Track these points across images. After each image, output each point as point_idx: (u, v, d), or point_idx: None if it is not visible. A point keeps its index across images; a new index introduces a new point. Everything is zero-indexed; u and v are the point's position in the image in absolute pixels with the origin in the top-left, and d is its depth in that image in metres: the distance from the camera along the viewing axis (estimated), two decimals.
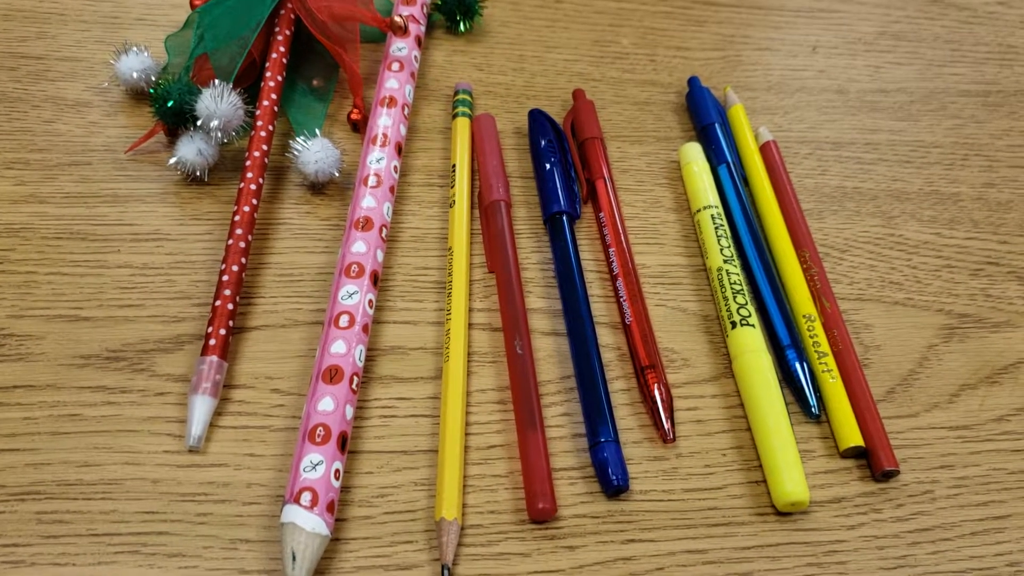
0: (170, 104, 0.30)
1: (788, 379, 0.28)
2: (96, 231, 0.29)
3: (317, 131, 0.32)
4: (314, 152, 0.30)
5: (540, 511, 0.24)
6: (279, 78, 0.32)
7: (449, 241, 0.30)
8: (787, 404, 0.27)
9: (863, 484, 0.27)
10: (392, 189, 0.30)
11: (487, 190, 0.31)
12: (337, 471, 0.24)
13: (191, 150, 0.30)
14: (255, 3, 0.32)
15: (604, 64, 0.38)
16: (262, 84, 0.32)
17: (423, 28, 0.36)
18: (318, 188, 0.32)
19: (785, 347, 0.28)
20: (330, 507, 0.23)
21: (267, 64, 0.32)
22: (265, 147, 0.30)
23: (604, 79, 0.37)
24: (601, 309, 0.30)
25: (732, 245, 0.31)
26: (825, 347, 0.29)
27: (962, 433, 0.28)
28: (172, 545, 0.23)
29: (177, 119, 0.30)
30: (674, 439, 0.27)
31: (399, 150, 0.31)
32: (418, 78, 0.35)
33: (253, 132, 0.30)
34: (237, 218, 0.28)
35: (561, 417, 0.27)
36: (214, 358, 0.26)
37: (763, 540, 0.25)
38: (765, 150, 0.34)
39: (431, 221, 0.31)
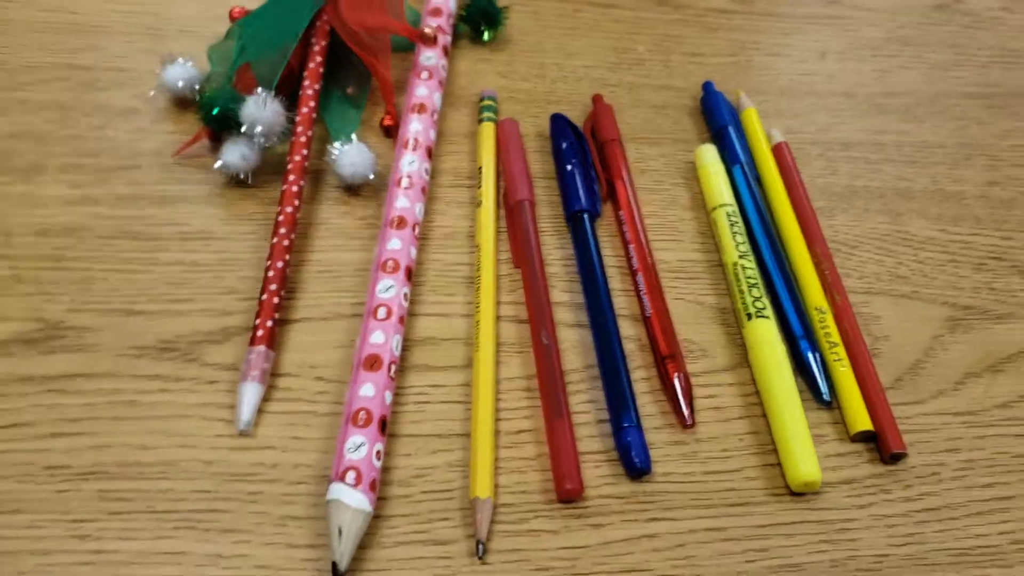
0: (215, 111, 0.32)
1: (801, 368, 0.30)
2: (147, 230, 0.31)
3: (353, 136, 0.33)
4: (350, 156, 0.32)
5: (567, 491, 0.26)
6: (316, 87, 0.34)
7: (477, 239, 0.32)
8: (800, 392, 0.29)
9: (872, 466, 0.28)
10: (423, 190, 0.32)
11: (512, 190, 0.33)
12: (379, 452, 0.25)
13: (235, 154, 0.32)
14: (293, 16, 0.35)
15: (621, 70, 0.39)
16: (301, 92, 0.33)
17: (449, 38, 0.38)
18: (354, 190, 0.33)
19: (798, 338, 0.30)
20: (372, 485, 0.25)
21: (305, 73, 0.34)
22: (305, 151, 0.32)
23: (622, 84, 0.39)
24: (622, 302, 0.31)
25: (747, 241, 0.32)
26: (836, 337, 0.30)
27: (967, 419, 0.30)
28: (225, 522, 0.25)
29: (222, 125, 0.32)
30: (693, 424, 0.28)
31: (429, 153, 0.33)
32: (445, 85, 0.37)
33: (293, 137, 0.32)
34: (280, 218, 0.30)
35: (586, 404, 0.29)
36: (262, 348, 0.27)
37: (778, 519, 0.27)
38: (777, 151, 0.36)
39: (460, 220, 0.33)
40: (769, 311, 0.30)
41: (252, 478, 0.26)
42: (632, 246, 0.32)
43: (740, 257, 0.31)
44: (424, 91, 0.34)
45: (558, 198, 0.34)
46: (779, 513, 0.27)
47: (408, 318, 0.30)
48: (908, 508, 0.27)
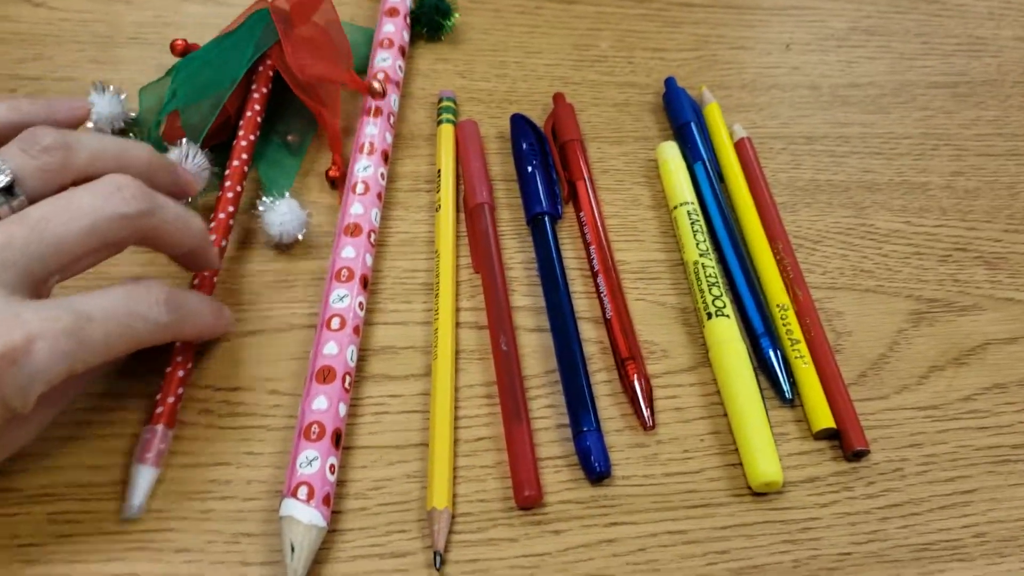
0: None
1: (762, 366, 0.29)
2: None
3: (286, 191, 0.31)
4: (279, 213, 0.30)
5: (527, 498, 0.26)
6: (252, 137, 0.32)
7: (436, 244, 0.32)
8: (762, 390, 0.28)
9: (835, 464, 0.28)
10: (380, 196, 0.31)
11: (471, 194, 0.33)
12: (332, 466, 0.25)
13: None
14: (233, 60, 0.32)
15: (584, 67, 0.39)
16: (234, 143, 0.31)
17: (407, 36, 0.37)
18: (284, 248, 0.31)
19: (759, 335, 0.30)
20: (326, 500, 0.24)
21: (241, 123, 0.32)
22: (232, 208, 0.30)
23: (584, 82, 0.38)
24: (583, 305, 0.31)
25: (708, 239, 0.32)
26: (798, 334, 0.30)
27: (931, 413, 0.29)
28: (179, 541, 0.25)
29: None
30: (654, 426, 0.28)
31: (385, 158, 0.33)
32: (403, 87, 0.37)
33: (220, 192, 0.30)
34: (196, 281, 0.28)
35: (546, 409, 0.28)
36: (160, 427, 0.25)
37: (740, 519, 0.27)
38: (739, 147, 0.35)
39: (418, 225, 0.33)
40: (730, 309, 0.30)
41: (205, 496, 0.25)
42: (593, 248, 0.32)
43: (701, 256, 0.31)
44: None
45: (518, 201, 0.34)
46: (741, 514, 0.27)
47: (365, 327, 0.29)
48: (871, 505, 0.27)
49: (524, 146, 0.34)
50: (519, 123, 0.35)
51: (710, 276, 0.30)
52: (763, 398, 0.28)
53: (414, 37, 0.39)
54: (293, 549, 0.23)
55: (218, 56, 0.33)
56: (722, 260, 0.32)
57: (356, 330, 0.28)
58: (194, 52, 0.33)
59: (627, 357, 0.29)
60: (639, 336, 0.30)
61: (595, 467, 0.26)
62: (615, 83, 0.38)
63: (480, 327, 0.30)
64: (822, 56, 0.40)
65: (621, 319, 0.30)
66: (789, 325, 0.30)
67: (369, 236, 0.30)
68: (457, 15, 0.38)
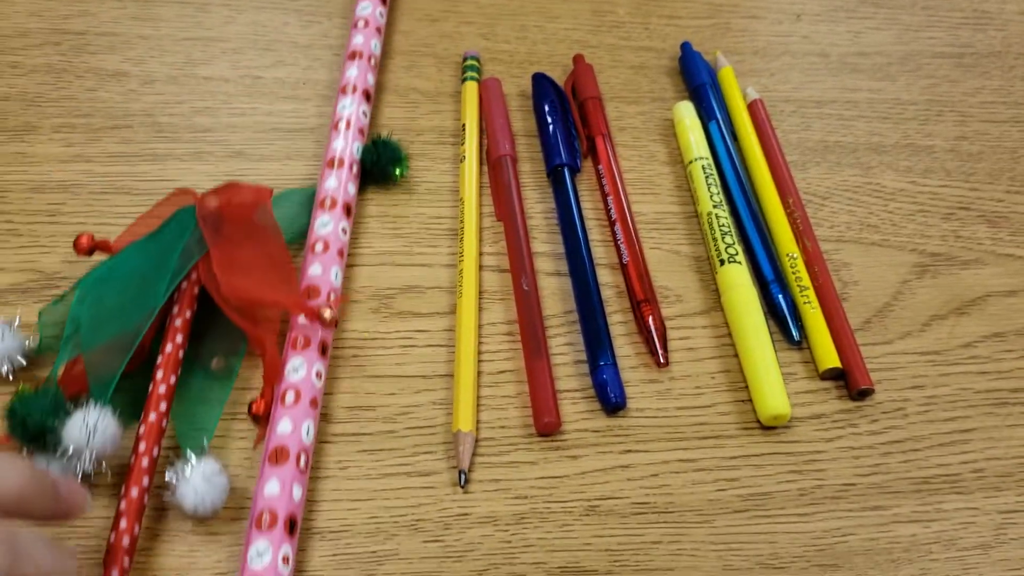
0: (27, 426, 0.24)
1: (772, 311, 0.31)
2: (139, 186, 0.32)
3: (206, 443, 0.25)
4: (194, 482, 0.24)
5: (546, 424, 0.27)
6: (172, 380, 0.26)
7: (460, 193, 0.33)
8: (771, 334, 0.30)
9: (841, 402, 0.29)
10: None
11: (494, 146, 0.34)
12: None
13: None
14: (150, 280, 0.27)
15: (602, 32, 0.40)
16: (150, 389, 0.25)
17: (352, 190, 0.32)
18: (204, 522, 0.25)
19: (769, 282, 0.31)
20: None
21: (159, 361, 0.26)
22: (146, 480, 0.24)
23: (602, 46, 0.40)
24: (600, 252, 0.32)
25: (721, 192, 0.33)
26: (806, 281, 0.31)
27: (932, 358, 0.31)
28: (218, 456, 0.26)
29: (34, 442, 0.24)
30: (667, 364, 0.29)
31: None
32: (428, 48, 0.38)
33: (132, 459, 0.24)
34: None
35: (564, 347, 0.30)
36: None
37: (749, 451, 0.28)
38: (752, 108, 0.37)
39: (444, 175, 0.34)
40: (741, 257, 0.31)
41: (239, 415, 0.27)
42: (611, 198, 0.33)
43: (714, 207, 0.32)
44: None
45: (539, 155, 0.35)
46: (750, 445, 0.28)
47: (385, 268, 0.31)
48: (874, 441, 0.28)
49: (545, 103, 0.35)
50: (541, 81, 0.36)
51: (723, 226, 0.32)
52: (772, 340, 0.29)
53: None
54: None
55: (131, 273, 0.27)
56: (734, 212, 0.33)
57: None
58: (102, 265, 0.28)
59: (642, 299, 0.30)
60: (654, 282, 0.31)
61: (611, 398, 0.28)
62: (632, 47, 0.40)
63: (502, 270, 0.31)
64: (831, 26, 0.42)
65: (637, 264, 0.31)
66: (798, 273, 0.31)
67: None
68: (406, 164, 0.33)
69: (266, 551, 0.23)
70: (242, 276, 0.27)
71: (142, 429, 0.25)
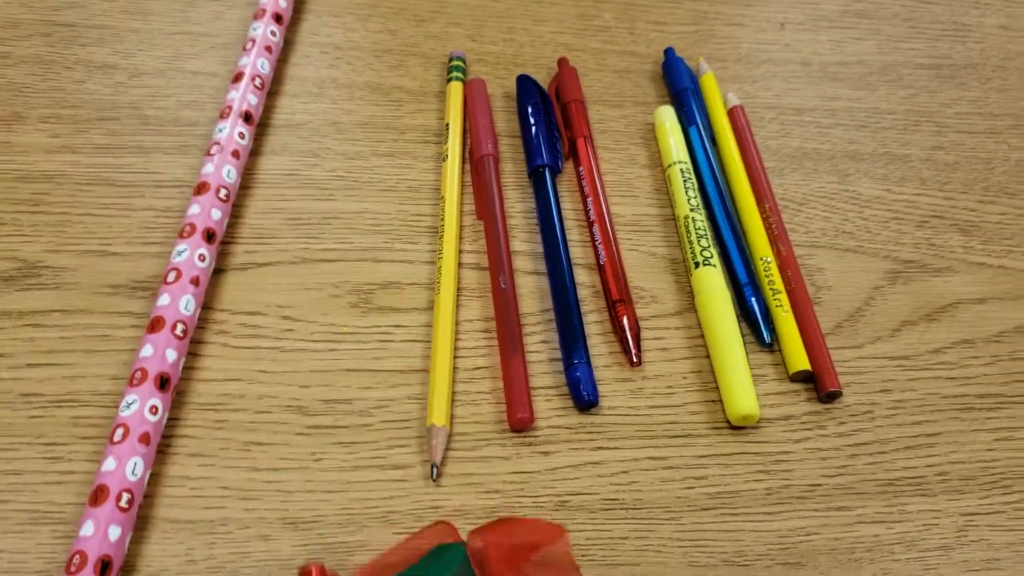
0: None
1: (744, 314, 0.31)
2: (123, 178, 0.32)
3: None
4: None
5: (519, 420, 0.28)
6: None
7: (442, 191, 0.33)
8: (743, 336, 0.30)
9: (809, 404, 0.30)
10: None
11: (477, 145, 0.34)
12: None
13: None
14: None
15: (587, 36, 0.41)
16: None
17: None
18: None
19: (743, 285, 0.31)
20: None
21: None
22: None
23: (587, 50, 0.40)
24: (578, 253, 0.33)
25: (698, 196, 0.34)
26: (779, 285, 0.32)
27: (902, 363, 0.31)
28: (192, 447, 0.26)
29: None
30: (640, 363, 0.30)
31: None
32: (415, 48, 0.38)
33: None
34: None
35: (540, 345, 0.30)
36: None
37: (718, 450, 0.28)
38: (732, 114, 0.37)
39: (426, 174, 0.34)
40: (716, 260, 0.32)
41: (219, 407, 0.27)
42: (590, 199, 0.33)
43: (691, 210, 0.33)
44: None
45: (522, 156, 0.35)
46: (719, 445, 0.28)
47: (371, 264, 0.31)
48: (841, 443, 0.29)
49: (529, 104, 0.36)
50: (525, 83, 0.37)
51: (699, 229, 0.32)
52: (744, 342, 0.30)
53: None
54: None
55: None
56: (711, 216, 0.34)
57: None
58: None
59: (618, 299, 0.31)
60: (630, 282, 0.32)
61: (584, 395, 0.28)
62: (616, 52, 0.40)
63: (481, 268, 0.32)
64: (814, 35, 0.42)
65: (613, 264, 0.32)
66: (771, 276, 0.32)
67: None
68: None
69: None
70: None
71: None
